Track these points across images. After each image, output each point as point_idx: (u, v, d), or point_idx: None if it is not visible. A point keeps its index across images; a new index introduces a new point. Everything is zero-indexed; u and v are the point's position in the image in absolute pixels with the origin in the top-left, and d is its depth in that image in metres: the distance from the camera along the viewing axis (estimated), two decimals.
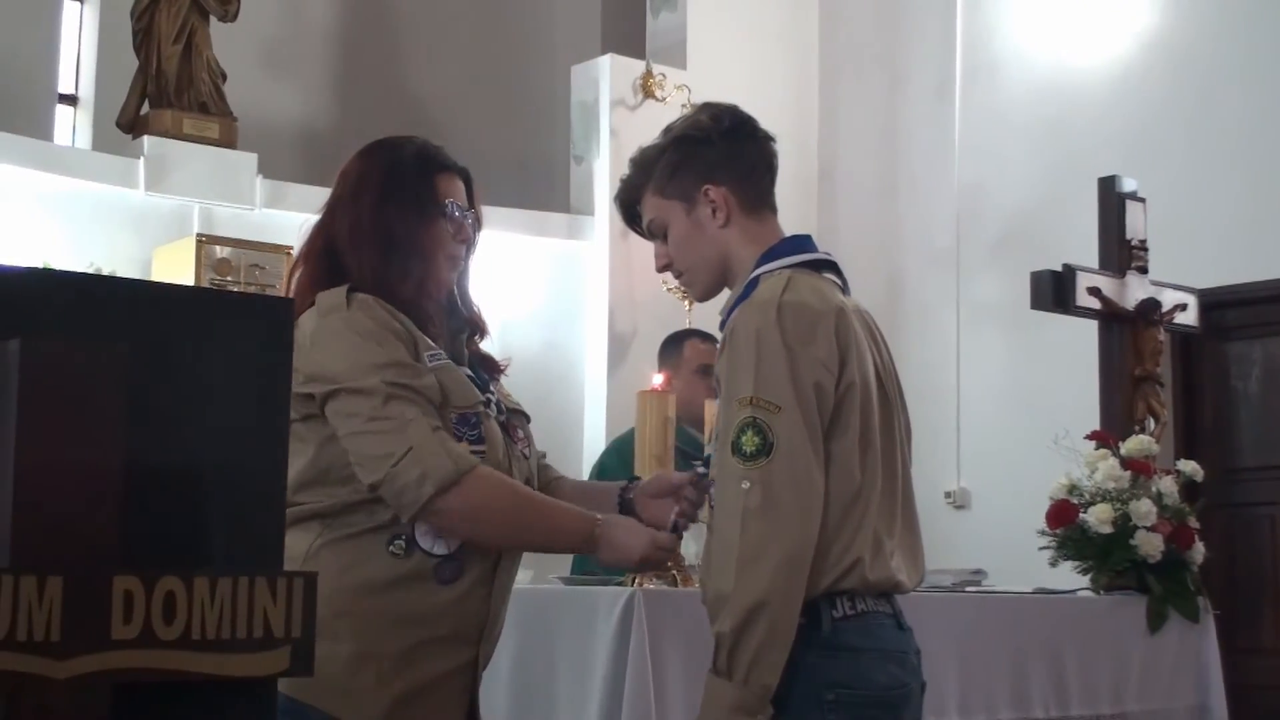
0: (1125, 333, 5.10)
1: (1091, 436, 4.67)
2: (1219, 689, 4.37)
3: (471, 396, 2.57)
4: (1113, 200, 5.19)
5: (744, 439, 2.35)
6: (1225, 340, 6.62)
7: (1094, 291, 5.02)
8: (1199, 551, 4.45)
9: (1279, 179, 6.42)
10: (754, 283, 2.54)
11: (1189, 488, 4.54)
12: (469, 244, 2.70)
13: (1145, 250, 5.16)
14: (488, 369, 2.76)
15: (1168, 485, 4.45)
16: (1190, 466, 4.61)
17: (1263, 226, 6.46)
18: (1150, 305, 5.09)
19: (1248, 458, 6.55)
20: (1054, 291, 5.02)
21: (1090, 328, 5.27)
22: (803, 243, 2.65)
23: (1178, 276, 5.34)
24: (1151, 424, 4.96)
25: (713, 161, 2.63)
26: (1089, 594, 4.36)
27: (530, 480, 2.68)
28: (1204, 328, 5.54)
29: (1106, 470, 4.44)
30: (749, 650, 2.29)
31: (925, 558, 2.59)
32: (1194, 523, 4.45)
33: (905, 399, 2.66)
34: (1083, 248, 5.30)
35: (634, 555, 2.56)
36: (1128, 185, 5.20)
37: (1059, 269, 5.03)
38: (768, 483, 2.32)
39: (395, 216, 2.58)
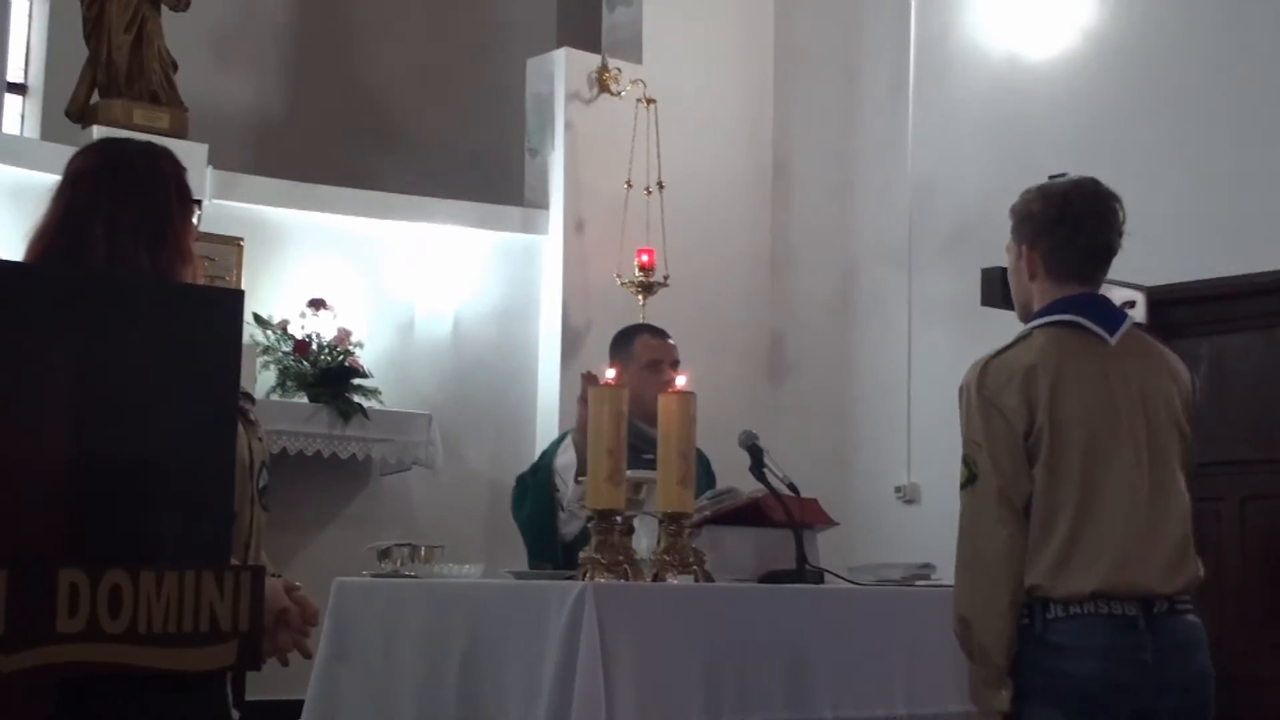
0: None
1: None
2: None
3: None
4: None
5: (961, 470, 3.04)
6: (1173, 337, 6.65)
7: None
8: None
9: (1227, 177, 6.48)
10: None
11: None
12: None
13: None
14: None
15: None
16: None
17: (1211, 224, 6.52)
18: None
19: (1196, 453, 6.60)
20: (1004, 288, 5.04)
21: None
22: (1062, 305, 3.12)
23: (1126, 274, 5.38)
24: None
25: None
26: None
27: None
28: (1152, 324, 5.59)
29: None
30: (972, 641, 2.98)
31: (1155, 566, 2.94)
32: None
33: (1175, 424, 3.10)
34: None
35: None
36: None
37: None
38: (970, 507, 3.05)
39: None
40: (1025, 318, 3.21)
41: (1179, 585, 2.95)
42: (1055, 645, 2.91)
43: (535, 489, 4.61)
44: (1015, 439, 2.95)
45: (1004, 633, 2.95)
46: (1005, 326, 5.91)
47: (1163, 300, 5.94)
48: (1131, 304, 5.29)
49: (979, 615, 2.98)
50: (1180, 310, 6.52)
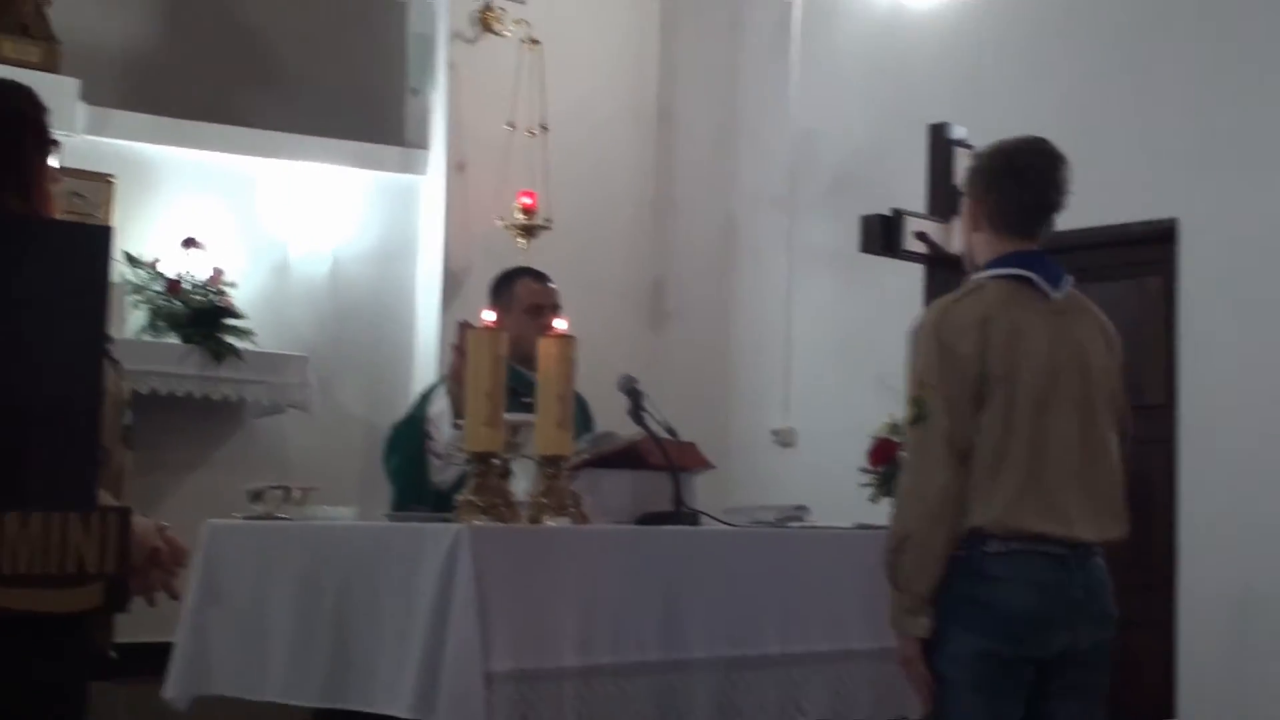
0: (950, 277, 5.19)
1: None
2: None
3: None
4: (941, 147, 5.28)
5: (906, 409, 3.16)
6: None
7: (921, 236, 5.11)
8: None
9: (1104, 130, 6.58)
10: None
11: None
12: None
13: None
14: None
15: None
16: None
17: (1086, 176, 6.57)
18: None
19: None
20: (883, 235, 5.11)
21: (917, 271, 5.37)
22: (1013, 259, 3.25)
23: None
24: None
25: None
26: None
27: None
28: None
29: None
30: (901, 569, 3.13)
31: (1077, 511, 3.11)
32: None
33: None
34: (913, 193, 5.39)
35: None
36: (957, 132, 5.29)
37: (888, 214, 5.11)
38: (916, 445, 3.15)
39: None
40: (970, 269, 3.33)
41: (1109, 537, 3.19)
42: (992, 578, 3.10)
43: (406, 439, 4.59)
44: (967, 386, 3.10)
45: (931, 567, 3.13)
46: (884, 273, 6.00)
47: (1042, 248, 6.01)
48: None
49: (913, 545, 3.15)
50: (1057, 258, 6.61)
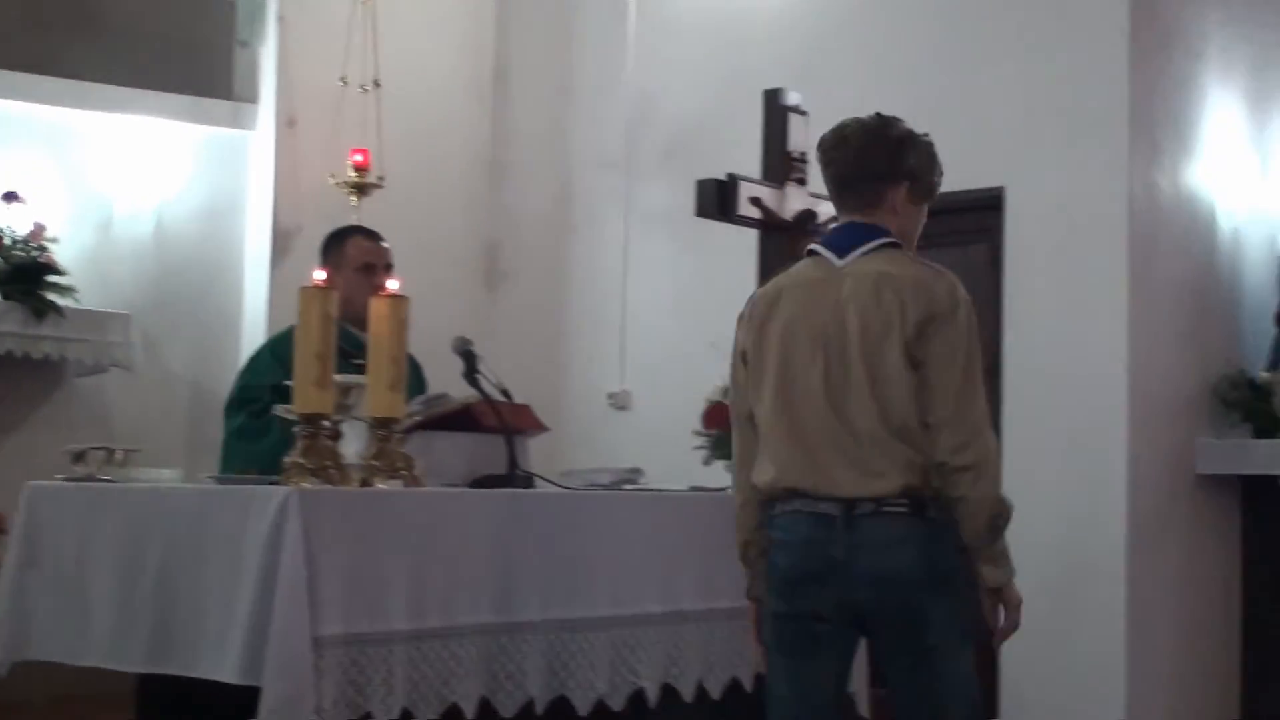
0: (783, 242, 5.22)
1: None
2: None
3: None
4: (776, 113, 5.29)
5: None
6: None
7: (755, 201, 5.13)
8: None
9: (936, 98, 6.67)
10: None
11: None
12: None
13: (805, 163, 5.29)
14: None
15: None
16: None
17: None
18: (807, 216, 5.23)
19: None
20: (717, 200, 5.11)
21: (752, 236, 5.39)
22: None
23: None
24: None
25: None
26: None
27: None
28: None
29: None
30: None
31: (841, 470, 3.17)
32: None
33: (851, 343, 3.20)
34: (749, 158, 5.41)
35: None
36: (792, 98, 5.31)
37: (724, 179, 5.12)
38: None
39: None
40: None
41: (876, 491, 3.12)
42: (775, 539, 3.26)
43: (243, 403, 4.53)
44: (738, 357, 3.37)
45: (741, 529, 3.36)
46: (719, 238, 6.02)
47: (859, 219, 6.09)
48: (836, 219, 5.41)
49: (734, 507, 3.38)
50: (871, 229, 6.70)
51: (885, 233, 3.32)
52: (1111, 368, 6.14)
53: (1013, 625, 3.22)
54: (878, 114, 3.43)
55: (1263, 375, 6.65)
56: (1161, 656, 6.25)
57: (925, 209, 3.48)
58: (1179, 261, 6.48)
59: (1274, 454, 6.45)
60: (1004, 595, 3.20)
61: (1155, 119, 6.36)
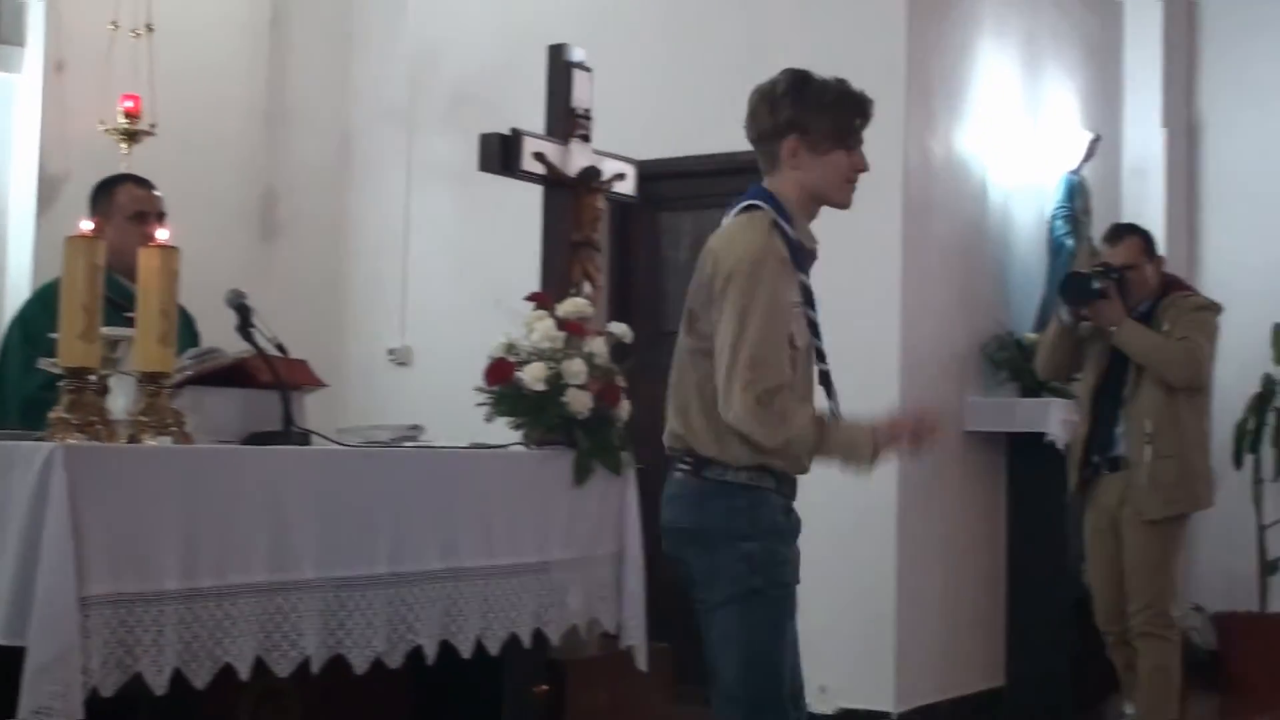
0: (567, 198, 5.23)
1: (531, 298, 4.79)
2: (636, 536, 4.62)
3: None
4: (560, 68, 5.27)
5: None
6: (659, 210, 6.93)
7: (539, 157, 5.11)
8: (625, 408, 4.66)
9: (715, 57, 6.74)
10: None
11: (619, 349, 4.74)
12: None
13: (589, 119, 5.29)
14: None
15: (599, 346, 4.63)
16: (621, 329, 4.80)
17: (699, 102, 6.77)
18: (591, 173, 5.23)
19: (673, 322, 6.83)
20: (501, 155, 5.08)
21: (536, 192, 5.37)
22: None
23: (619, 147, 5.52)
24: (588, 288, 5.13)
25: None
26: (520, 448, 4.50)
27: None
28: (641, 198, 5.76)
29: (543, 330, 4.57)
30: None
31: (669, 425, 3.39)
32: (622, 382, 4.65)
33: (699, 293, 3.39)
34: (533, 113, 5.38)
35: None
36: (576, 54, 5.30)
37: (507, 133, 5.09)
38: None
39: None
40: None
41: (667, 444, 3.41)
42: None
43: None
44: None
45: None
46: (501, 192, 5.98)
47: (651, 174, 6.11)
48: (622, 176, 5.43)
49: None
50: (667, 185, 6.77)
51: (755, 195, 3.39)
52: (884, 326, 6.30)
53: (893, 437, 3.33)
54: (786, 70, 3.43)
55: (1029, 336, 6.89)
56: (932, 613, 6.45)
57: (845, 155, 3.39)
58: (951, 224, 6.67)
59: (1039, 412, 6.70)
60: (875, 451, 3.30)
61: (930, 84, 6.51)
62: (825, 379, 3.43)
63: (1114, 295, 5.41)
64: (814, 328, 3.39)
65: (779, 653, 3.29)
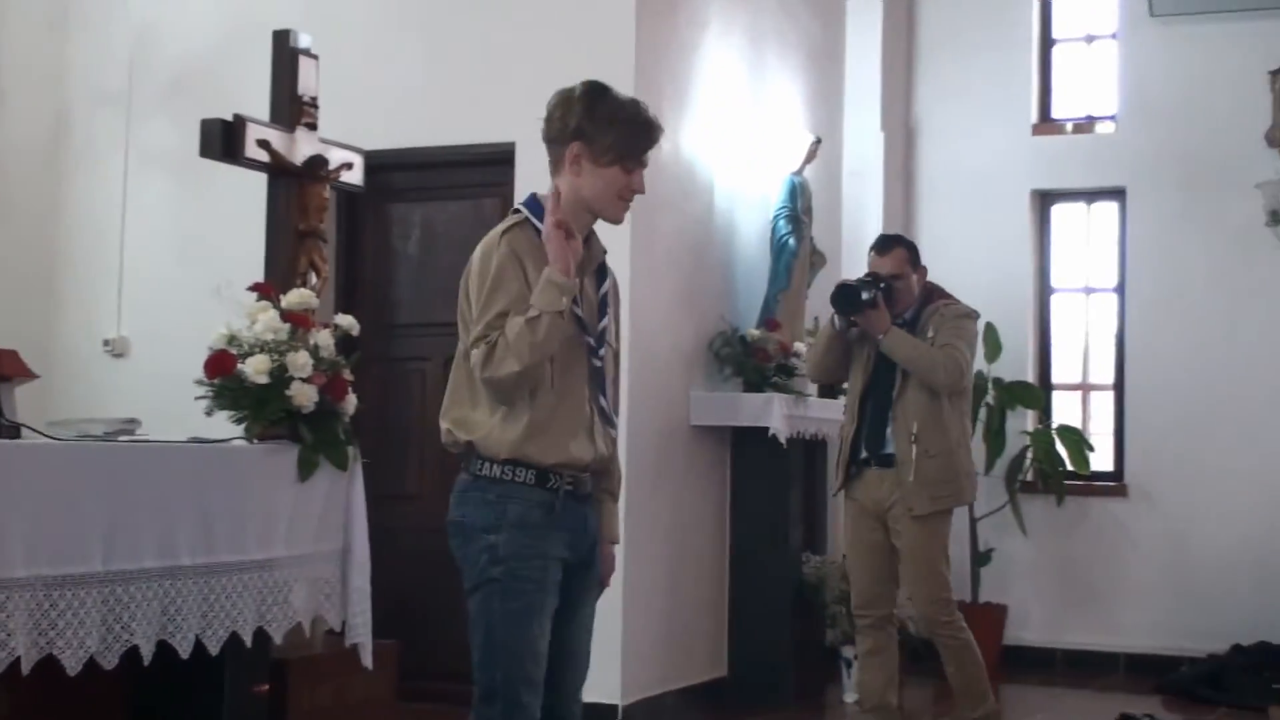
0: (292, 187, 5.14)
1: (254, 288, 4.69)
2: (363, 532, 4.57)
3: None
4: (286, 54, 5.18)
5: None
6: (388, 201, 6.86)
7: (263, 144, 5.01)
8: (351, 403, 4.60)
9: (450, 51, 6.70)
10: None
11: (345, 341, 4.68)
12: None
13: (316, 107, 5.21)
14: None
15: (324, 338, 4.56)
16: (347, 321, 4.74)
17: (430, 93, 6.72)
18: (317, 162, 5.15)
19: (403, 314, 6.85)
20: (223, 141, 4.96)
21: (260, 180, 5.27)
22: None
23: (347, 136, 5.45)
24: (313, 279, 5.05)
25: None
26: (242, 443, 4.40)
27: None
28: (369, 188, 5.69)
29: (266, 322, 4.48)
30: None
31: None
32: (348, 375, 4.59)
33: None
34: (259, 99, 5.27)
35: None
36: (302, 41, 5.21)
37: (230, 119, 4.97)
38: None
39: None
40: None
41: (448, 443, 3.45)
42: None
43: None
44: None
45: None
46: (225, 180, 5.83)
47: (380, 165, 6.06)
48: (350, 165, 5.36)
49: None
50: (397, 176, 6.70)
51: (525, 200, 3.49)
52: None
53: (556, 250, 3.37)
54: (588, 80, 3.45)
55: (753, 333, 7.04)
56: (657, 605, 6.54)
57: (622, 173, 3.41)
58: (678, 222, 6.77)
59: (762, 407, 6.86)
60: (559, 272, 3.34)
61: (660, 82, 6.60)
62: (596, 375, 3.44)
63: (881, 304, 5.60)
64: (580, 323, 3.41)
65: (517, 643, 3.30)
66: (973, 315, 5.81)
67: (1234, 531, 8.07)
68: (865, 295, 5.59)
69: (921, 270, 5.84)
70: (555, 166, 3.45)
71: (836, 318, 5.70)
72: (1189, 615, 8.06)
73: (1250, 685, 7.31)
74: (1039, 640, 8.36)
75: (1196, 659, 7.81)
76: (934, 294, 5.84)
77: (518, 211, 3.48)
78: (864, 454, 5.71)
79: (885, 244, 5.84)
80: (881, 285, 5.64)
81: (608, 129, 3.36)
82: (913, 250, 5.85)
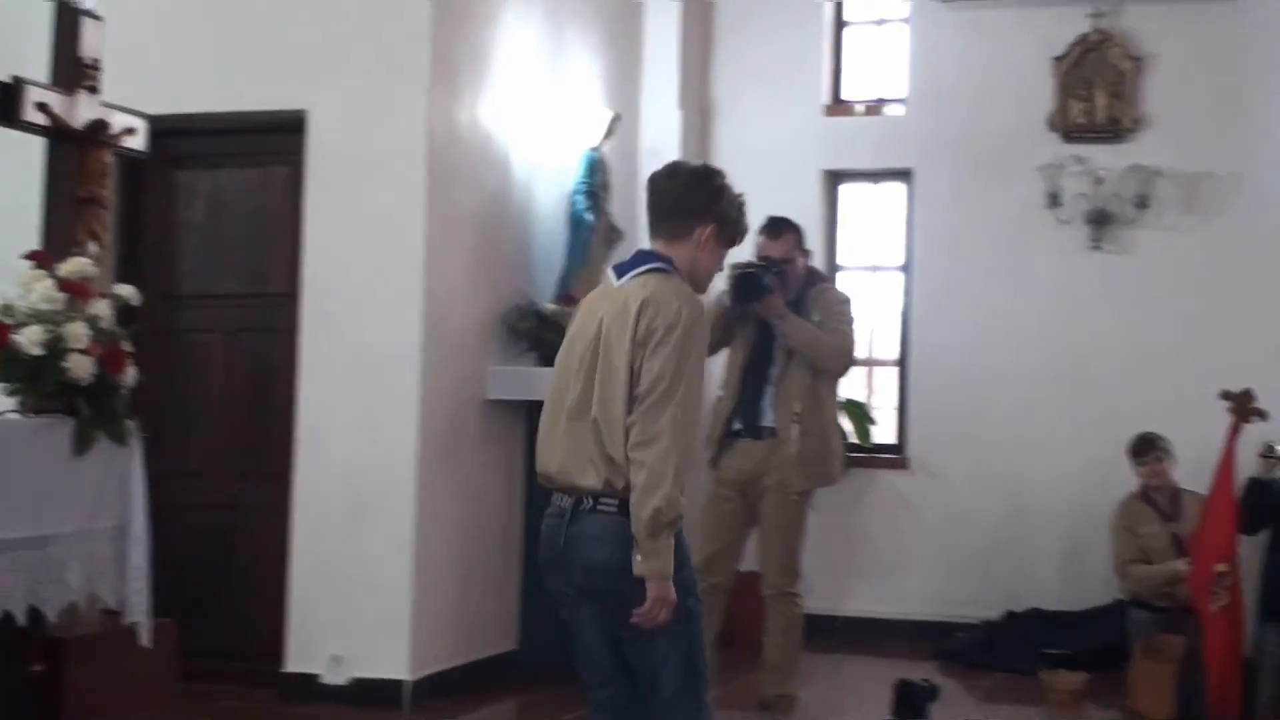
0: (72, 152, 5.00)
1: (29, 256, 4.56)
2: (141, 508, 4.49)
3: None
4: (67, 15, 5.05)
5: None
6: (173, 168, 6.69)
7: (42, 107, 4.87)
8: (131, 375, 4.50)
9: (241, 17, 6.56)
10: None
11: (125, 312, 4.57)
12: None
13: (98, 70, 5.08)
14: None
15: (103, 309, 4.45)
16: (128, 291, 4.64)
17: (220, 58, 6.58)
18: (98, 126, 5.02)
19: (187, 285, 6.69)
20: (1, 104, 4.81)
21: (37, 144, 5.11)
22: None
23: (131, 101, 5.31)
24: (93, 247, 4.91)
25: None
26: (15, 416, 4.27)
27: None
28: (154, 154, 5.56)
29: (42, 291, 4.36)
30: None
31: (576, 468, 3.51)
32: (128, 347, 4.49)
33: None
34: (37, 61, 5.11)
35: None
36: (86, 2, 5.07)
37: (8, 81, 4.82)
38: None
39: None
40: None
41: (588, 486, 3.49)
42: None
43: None
44: None
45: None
46: (4, 144, 5.63)
47: (166, 131, 5.89)
48: (132, 131, 5.22)
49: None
50: (183, 142, 6.53)
51: (660, 259, 3.63)
52: (407, 294, 6.31)
53: (649, 616, 3.43)
54: (705, 164, 3.83)
55: (549, 306, 7.05)
56: (447, 579, 6.53)
57: (725, 255, 3.75)
58: (474, 194, 6.74)
59: None
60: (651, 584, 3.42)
61: (457, 54, 6.56)
62: None
63: (777, 288, 5.66)
64: None
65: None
66: (850, 300, 5.97)
67: (1008, 504, 8.35)
68: (766, 281, 5.67)
69: (806, 253, 5.95)
70: (678, 236, 3.65)
71: (729, 298, 5.74)
72: (965, 584, 8.31)
73: (1022, 651, 7.57)
74: (821, 608, 8.52)
75: (973, 625, 8.07)
76: (816, 277, 5.97)
77: (666, 270, 3.60)
78: (737, 425, 5.80)
79: (776, 228, 5.89)
80: (777, 270, 5.72)
81: (738, 215, 3.72)
82: (800, 233, 5.93)
